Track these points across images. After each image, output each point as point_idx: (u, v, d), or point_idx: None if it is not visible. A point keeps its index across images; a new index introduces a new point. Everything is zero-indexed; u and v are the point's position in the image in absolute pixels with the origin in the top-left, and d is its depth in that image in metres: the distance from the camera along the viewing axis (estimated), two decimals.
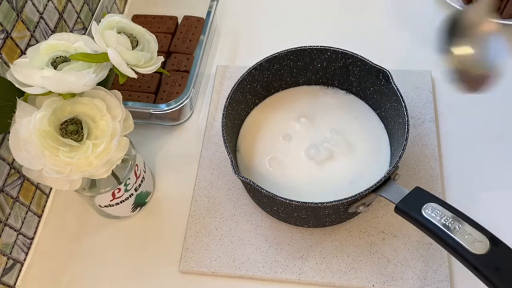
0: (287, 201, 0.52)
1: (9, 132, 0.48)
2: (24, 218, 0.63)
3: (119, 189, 0.58)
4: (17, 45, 0.59)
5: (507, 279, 0.43)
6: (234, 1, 0.84)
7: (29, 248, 0.64)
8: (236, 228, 0.62)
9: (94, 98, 0.47)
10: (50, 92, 0.46)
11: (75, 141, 0.46)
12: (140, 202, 0.64)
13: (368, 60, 0.61)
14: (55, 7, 0.67)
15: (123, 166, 0.58)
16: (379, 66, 0.60)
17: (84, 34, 0.68)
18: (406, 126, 0.55)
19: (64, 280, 0.62)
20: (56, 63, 0.47)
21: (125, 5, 0.85)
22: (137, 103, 0.68)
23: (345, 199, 0.52)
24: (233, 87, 0.61)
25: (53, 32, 0.66)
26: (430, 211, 0.48)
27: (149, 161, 0.69)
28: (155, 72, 0.53)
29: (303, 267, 0.59)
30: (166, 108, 0.65)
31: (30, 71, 0.45)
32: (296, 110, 0.67)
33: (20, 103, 0.46)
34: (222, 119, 0.59)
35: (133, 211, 0.64)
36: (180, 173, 0.68)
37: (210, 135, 0.70)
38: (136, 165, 0.59)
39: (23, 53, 0.60)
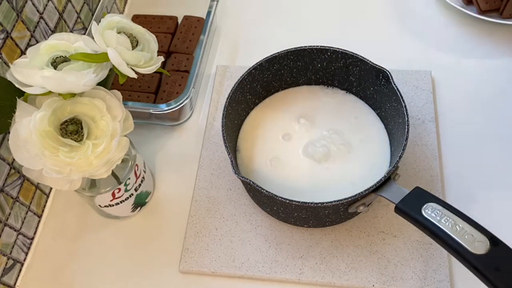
0: (287, 201, 0.52)
1: (9, 132, 0.48)
2: (24, 218, 0.63)
3: (119, 189, 0.58)
4: (17, 45, 0.59)
5: (507, 279, 0.43)
6: (234, 1, 0.84)
7: (29, 248, 0.64)
8: (236, 228, 0.62)
9: (94, 98, 0.47)
10: (50, 92, 0.46)
11: (75, 141, 0.46)
12: (140, 202, 0.64)
13: (368, 60, 0.61)
14: (55, 7, 0.67)
15: (123, 166, 0.58)
16: (379, 66, 0.60)
17: (84, 34, 0.68)
18: (406, 126, 0.55)
19: (64, 280, 0.61)
20: (56, 63, 0.47)
21: (125, 5, 0.85)
22: (137, 103, 0.68)
23: (345, 199, 0.52)
24: (233, 87, 0.61)
25: (53, 32, 0.66)
26: (430, 211, 0.48)
27: (149, 161, 0.69)
28: (155, 72, 0.53)
29: (303, 267, 0.59)
30: (166, 108, 0.65)
31: (30, 71, 0.45)
32: (296, 110, 0.67)
33: (20, 103, 0.46)
34: (222, 119, 0.59)
35: (133, 211, 0.64)
36: (180, 173, 0.68)
37: (210, 135, 0.70)
38: (136, 165, 0.59)
39: (23, 53, 0.60)
